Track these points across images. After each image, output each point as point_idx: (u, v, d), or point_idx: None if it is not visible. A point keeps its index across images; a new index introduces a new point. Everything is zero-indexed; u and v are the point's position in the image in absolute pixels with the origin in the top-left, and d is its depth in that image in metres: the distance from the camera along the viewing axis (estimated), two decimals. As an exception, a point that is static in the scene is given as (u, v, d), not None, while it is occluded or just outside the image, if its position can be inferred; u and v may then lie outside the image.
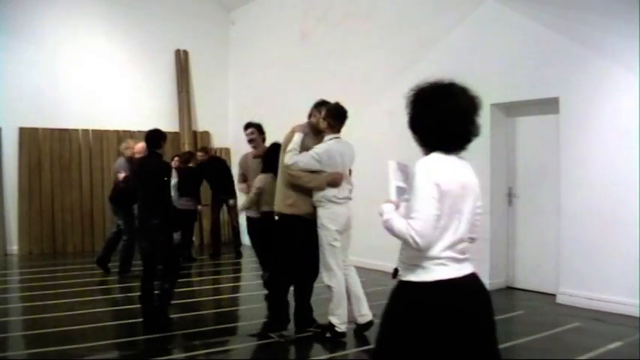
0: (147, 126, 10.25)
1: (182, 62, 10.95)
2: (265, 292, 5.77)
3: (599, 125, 5.67)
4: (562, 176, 5.94)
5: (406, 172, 2.35)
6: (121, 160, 7.50)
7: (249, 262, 8.39)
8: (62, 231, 9.66)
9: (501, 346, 4.52)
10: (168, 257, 5.07)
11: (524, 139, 6.70)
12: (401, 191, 2.30)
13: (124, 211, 7.19)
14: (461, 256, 2.21)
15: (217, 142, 11.20)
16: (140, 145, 7.23)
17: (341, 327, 4.65)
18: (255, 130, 6.21)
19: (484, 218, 6.52)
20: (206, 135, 11.15)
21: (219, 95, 11.40)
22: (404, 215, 2.21)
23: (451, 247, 2.17)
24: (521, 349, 4.59)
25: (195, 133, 10.96)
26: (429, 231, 2.11)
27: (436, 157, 2.21)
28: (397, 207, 2.27)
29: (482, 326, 2.20)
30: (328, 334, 4.67)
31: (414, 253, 2.18)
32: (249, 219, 6.03)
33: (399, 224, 2.18)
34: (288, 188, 4.73)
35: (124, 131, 10.16)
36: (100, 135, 10.01)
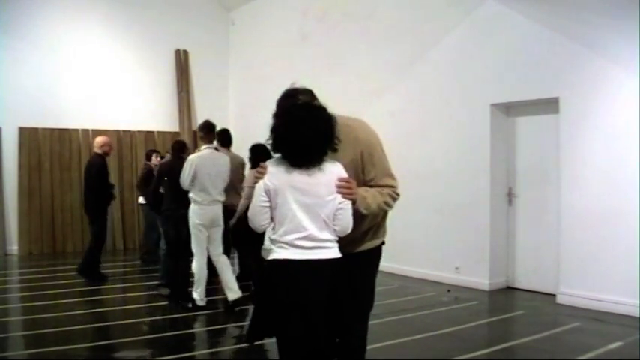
0: (147, 126, 10.53)
1: (182, 62, 10.95)
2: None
3: (599, 125, 5.67)
4: (562, 176, 5.95)
5: None
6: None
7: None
8: (62, 231, 9.67)
9: (501, 346, 4.60)
10: (187, 241, 5.87)
11: (524, 139, 6.70)
12: None
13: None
14: (305, 243, 2.58)
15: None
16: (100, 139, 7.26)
17: (200, 302, 5.66)
18: None
19: (485, 218, 6.64)
20: (206, 135, 11.15)
21: (219, 95, 11.38)
22: None
23: (289, 233, 2.58)
24: (521, 349, 4.61)
25: (195, 133, 10.94)
26: (255, 217, 2.67)
27: (271, 161, 2.68)
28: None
29: (312, 305, 2.60)
30: (190, 305, 5.67)
31: (268, 236, 2.70)
32: None
33: None
34: None
35: (124, 131, 10.18)
36: (100, 135, 10.00)
